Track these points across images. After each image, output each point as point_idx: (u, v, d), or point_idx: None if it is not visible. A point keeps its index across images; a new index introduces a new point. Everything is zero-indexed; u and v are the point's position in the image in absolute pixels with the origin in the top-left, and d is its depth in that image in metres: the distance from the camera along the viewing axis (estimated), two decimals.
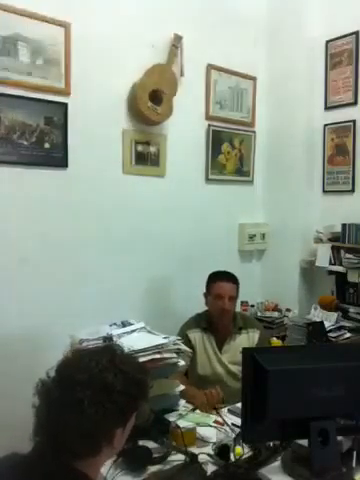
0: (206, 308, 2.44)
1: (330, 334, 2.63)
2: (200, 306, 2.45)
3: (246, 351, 1.44)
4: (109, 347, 1.22)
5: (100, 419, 0.99)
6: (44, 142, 2.44)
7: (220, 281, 2.36)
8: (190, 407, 1.92)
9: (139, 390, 1.08)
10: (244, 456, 1.52)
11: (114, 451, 1.09)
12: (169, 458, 1.55)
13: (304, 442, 1.42)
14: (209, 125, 3.16)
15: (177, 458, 1.55)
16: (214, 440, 1.67)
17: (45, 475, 0.99)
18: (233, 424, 1.78)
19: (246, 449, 1.54)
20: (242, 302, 3.22)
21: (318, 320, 2.70)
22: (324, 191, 3.27)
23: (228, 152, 3.29)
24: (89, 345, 1.75)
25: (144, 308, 2.79)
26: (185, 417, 1.80)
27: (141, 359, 1.66)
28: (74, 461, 1.01)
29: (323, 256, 3.06)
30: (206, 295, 2.42)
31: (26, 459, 1.03)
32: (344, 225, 2.98)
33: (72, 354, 1.18)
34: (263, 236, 3.47)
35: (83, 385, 1.01)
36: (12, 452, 1.06)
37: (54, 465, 0.99)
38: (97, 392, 1.01)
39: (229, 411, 1.92)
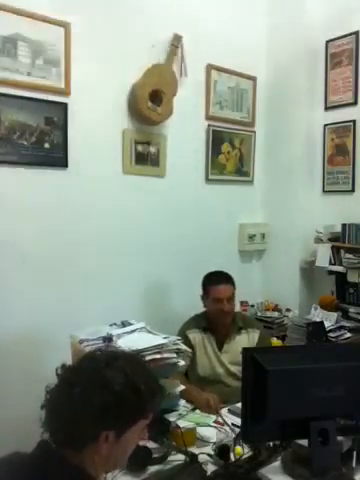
0: (204, 309, 2.43)
1: (330, 334, 2.63)
2: (200, 306, 2.44)
3: (246, 351, 1.44)
4: (133, 356, 1.19)
5: (82, 408, 0.98)
6: (44, 142, 2.44)
7: (217, 284, 2.34)
8: (190, 407, 1.92)
9: (137, 399, 1.03)
10: (244, 456, 1.52)
11: (104, 457, 1.02)
12: (169, 458, 1.55)
13: (304, 442, 1.42)
14: (209, 125, 3.16)
15: (177, 458, 1.55)
16: (214, 440, 1.67)
17: (38, 465, 0.99)
18: (233, 424, 1.78)
19: (246, 449, 1.54)
20: (242, 302, 3.23)
21: (318, 320, 2.71)
22: (324, 191, 3.27)
23: (228, 152, 3.29)
24: (89, 345, 1.75)
25: (144, 308, 2.79)
26: (185, 417, 1.80)
27: None
28: (66, 452, 1.00)
29: (323, 256, 3.06)
30: (203, 298, 2.41)
31: (27, 459, 1.03)
32: (344, 225, 2.98)
33: (95, 351, 1.19)
34: (263, 236, 3.47)
35: (85, 373, 1.03)
36: (14, 451, 1.06)
37: (47, 454, 1.00)
38: (91, 383, 1.00)
39: (229, 411, 1.92)
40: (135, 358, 1.16)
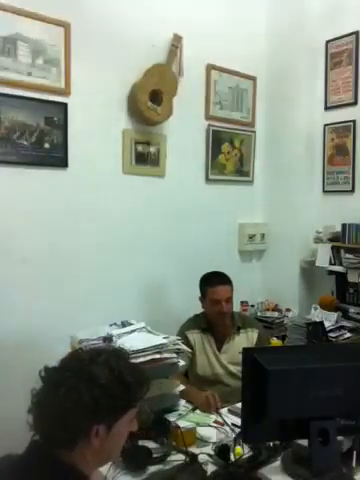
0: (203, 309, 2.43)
1: (330, 334, 2.63)
2: (200, 306, 2.44)
3: (246, 351, 1.44)
4: (114, 350, 1.21)
5: (72, 406, 0.99)
6: (44, 142, 2.44)
7: (214, 286, 2.32)
8: (190, 407, 1.92)
9: (125, 392, 1.05)
10: (244, 456, 1.52)
11: (96, 452, 1.03)
12: (169, 458, 1.55)
13: (304, 442, 1.42)
14: (209, 125, 3.16)
15: (177, 458, 1.55)
16: (214, 440, 1.67)
17: (29, 466, 1.00)
18: (233, 424, 1.78)
19: (246, 449, 1.54)
20: (242, 302, 3.23)
21: (318, 320, 2.70)
22: (324, 191, 3.27)
23: (228, 152, 3.29)
24: (89, 345, 1.75)
25: (144, 308, 2.79)
26: (185, 417, 1.80)
27: (141, 359, 1.67)
28: (58, 451, 1.01)
29: (323, 256, 3.06)
30: (202, 299, 2.40)
31: (20, 460, 1.03)
32: (344, 225, 2.98)
33: (77, 350, 1.19)
34: (263, 236, 3.47)
35: (70, 372, 1.03)
36: (6, 454, 1.07)
37: (38, 455, 1.01)
38: (77, 380, 1.01)
39: (229, 411, 1.92)
40: (118, 352, 1.17)
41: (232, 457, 1.52)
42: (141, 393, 1.11)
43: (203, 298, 2.39)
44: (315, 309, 2.87)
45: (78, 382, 1.01)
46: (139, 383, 1.09)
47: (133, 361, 1.26)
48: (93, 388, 1.00)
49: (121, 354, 1.16)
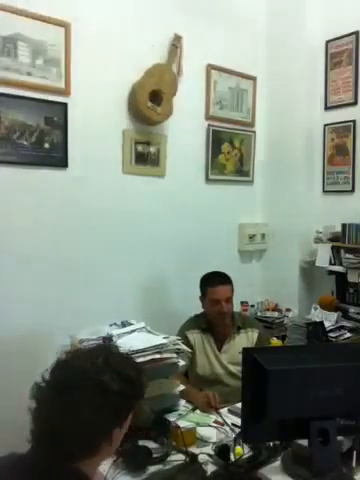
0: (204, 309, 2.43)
1: (330, 334, 2.63)
2: (200, 306, 2.44)
3: (246, 351, 1.44)
4: (104, 347, 1.21)
5: (97, 421, 1.00)
6: (44, 142, 2.44)
7: (214, 286, 2.32)
8: (190, 407, 1.92)
9: (134, 389, 1.08)
10: (244, 456, 1.52)
11: (112, 450, 1.09)
12: (169, 458, 1.55)
13: (304, 442, 1.42)
14: (209, 125, 3.16)
15: (177, 458, 1.55)
16: (214, 440, 1.67)
17: (43, 475, 0.98)
18: (233, 424, 1.78)
19: (246, 449, 1.54)
20: (242, 302, 3.23)
21: (318, 320, 2.70)
22: (324, 191, 3.27)
23: (228, 152, 3.29)
24: (88, 345, 1.75)
25: (144, 308, 2.79)
26: (185, 417, 1.80)
27: (141, 359, 1.66)
28: (72, 461, 1.00)
29: (323, 256, 3.06)
30: (202, 299, 2.40)
31: (24, 460, 1.03)
32: (344, 225, 2.98)
33: (67, 356, 1.13)
34: (263, 236, 3.47)
35: (79, 387, 1.01)
36: (10, 453, 1.06)
37: (51, 465, 0.99)
38: (93, 394, 1.01)
39: (229, 411, 1.92)
40: (111, 349, 1.17)
41: (232, 457, 1.52)
42: (144, 383, 1.12)
43: (203, 298, 2.39)
44: (315, 309, 2.87)
45: (92, 396, 1.00)
46: (140, 376, 1.11)
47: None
48: (108, 397, 1.01)
49: (115, 351, 1.17)
